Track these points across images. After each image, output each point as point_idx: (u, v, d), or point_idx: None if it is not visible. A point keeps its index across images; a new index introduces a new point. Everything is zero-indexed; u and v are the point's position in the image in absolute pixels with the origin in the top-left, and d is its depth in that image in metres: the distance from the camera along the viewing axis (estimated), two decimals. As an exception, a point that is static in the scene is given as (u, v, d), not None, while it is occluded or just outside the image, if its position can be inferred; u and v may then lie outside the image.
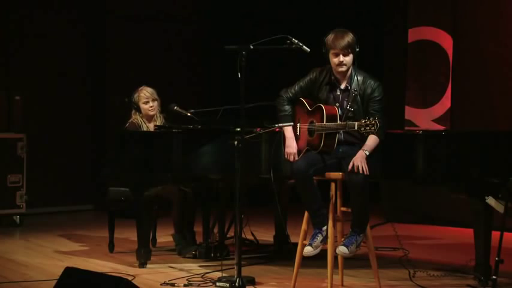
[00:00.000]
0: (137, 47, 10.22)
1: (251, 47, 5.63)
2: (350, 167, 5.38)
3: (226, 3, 10.75)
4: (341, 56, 5.55)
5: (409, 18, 9.36)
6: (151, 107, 7.17)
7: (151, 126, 7.17)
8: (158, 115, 7.23)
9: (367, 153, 5.41)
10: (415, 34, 9.26)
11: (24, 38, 9.71)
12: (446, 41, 9.03)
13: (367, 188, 5.42)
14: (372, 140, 5.46)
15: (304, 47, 5.70)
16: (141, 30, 10.27)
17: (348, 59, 5.56)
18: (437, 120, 9.02)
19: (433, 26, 9.12)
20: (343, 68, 5.58)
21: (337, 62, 5.57)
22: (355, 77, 5.59)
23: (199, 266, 6.52)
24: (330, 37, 5.58)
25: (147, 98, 7.16)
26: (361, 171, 5.34)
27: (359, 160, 5.36)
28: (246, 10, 10.68)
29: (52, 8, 9.92)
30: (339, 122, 5.50)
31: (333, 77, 5.66)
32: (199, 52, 10.75)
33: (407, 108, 9.27)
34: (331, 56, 5.59)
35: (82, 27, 10.15)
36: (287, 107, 5.75)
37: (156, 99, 7.19)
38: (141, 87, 7.23)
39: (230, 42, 5.77)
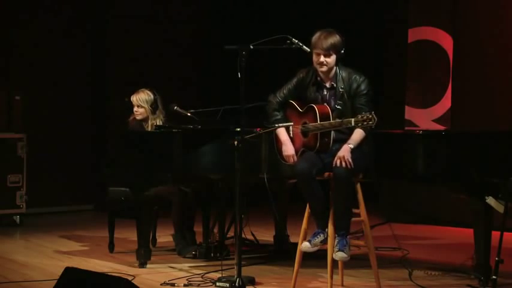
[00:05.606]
0: (137, 47, 10.23)
1: (251, 47, 5.63)
2: (334, 162, 5.38)
3: (226, 3, 10.76)
4: (322, 56, 5.55)
5: (409, 18, 9.36)
6: (135, 111, 7.19)
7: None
8: (151, 122, 7.16)
9: (352, 147, 5.41)
10: (415, 34, 9.26)
11: (24, 38, 9.71)
12: (446, 41, 9.03)
13: (351, 185, 5.41)
14: (357, 134, 5.47)
15: (304, 47, 5.70)
16: (141, 30, 10.27)
17: (330, 60, 5.55)
18: (437, 120, 9.02)
19: (433, 26, 9.12)
20: (324, 68, 5.58)
21: (317, 62, 5.58)
22: (340, 75, 5.59)
23: (199, 266, 6.52)
24: (315, 36, 5.58)
25: (133, 103, 7.18)
26: (344, 165, 5.34)
27: (343, 154, 5.37)
28: (246, 10, 10.68)
29: (52, 8, 9.92)
30: (332, 120, 5.49)
31: (318, 78, 5.66)
32: (199, 52, 10.75)
33: (407, 108, 9.27)
34: (314, 55, 5.60)
35: (82, 27, 10.15)
36: (278, 111, 5.75)
37: (142, 106, 7.15)
38: (138, 90, 7.22)
39: (230, 42, 5.77)
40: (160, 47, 10.41)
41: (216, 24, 10.67)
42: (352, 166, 5.36)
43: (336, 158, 5.38)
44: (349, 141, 5.44)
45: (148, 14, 10.35)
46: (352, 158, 5.38)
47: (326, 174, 5.50)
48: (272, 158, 5.95)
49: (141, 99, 7.16)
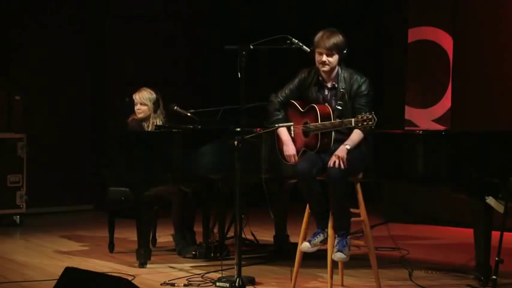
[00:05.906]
0: (137, 47, 10.23)
1: (251, 47, 5.63)
2: (329, 162, 5.38)
3: (226, 3, 10.76)
4: (324, 55, 5.55)
5: (409, 18, 9.36)
6: (138, 109, 7.19)
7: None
8: (152, 121, 7.17)
9: (349, 148, 5.41)
10: (415, 34, 9.26)
11: (24, 38, 9.71)
12: (446, 41, 9.03)
13: (345, 185, 5.40)
14: (355, 135, 5.46)
15: (304, 47, 5.70)
16: (141, 30, 10.27)
17: (332, 59, 5.55)
18: (437, 120, 9.02)
19: (433, 26, 9.12)
20: (326, 68, 5.58)
21: (320, 61, 5.58)
22: (342, 75, 5.60)
23: (199, 266, 6.52)
24: (318, 36, 5.58)
25: (136, 101, 7.18)
26: (337, 165, 5.33)
27: (338, 154, 5.37)
28: (246, 10, 10.68)
29: (52, 8, 9.92)
30: (333, 120, 5.49)
31: (320, 77, 5.66)
32: (199, 52, 10.75)
33: (407, 108, 9.27)
34: (316, 54, 5.60)
35: (82, 27, 10.15)
36: (280, 111, 5.74)
37: (145, 104, 7.16)
38: (140, 89, 7.23)
39: (230, 42, 5.77)
40: (160, 47, 10.40)
41: (216, 24, 10.67)
42: (347, 167, 5.35)
43: (331, 158, 5.39)
44: (347, 142, 5.44)
45: (148, 14, 10.35)
46: (349, 158, 5.38)
47: (325, 174, 5.51)
48: (272, 158, 5.95)
49: (144, 97, 7.17)
